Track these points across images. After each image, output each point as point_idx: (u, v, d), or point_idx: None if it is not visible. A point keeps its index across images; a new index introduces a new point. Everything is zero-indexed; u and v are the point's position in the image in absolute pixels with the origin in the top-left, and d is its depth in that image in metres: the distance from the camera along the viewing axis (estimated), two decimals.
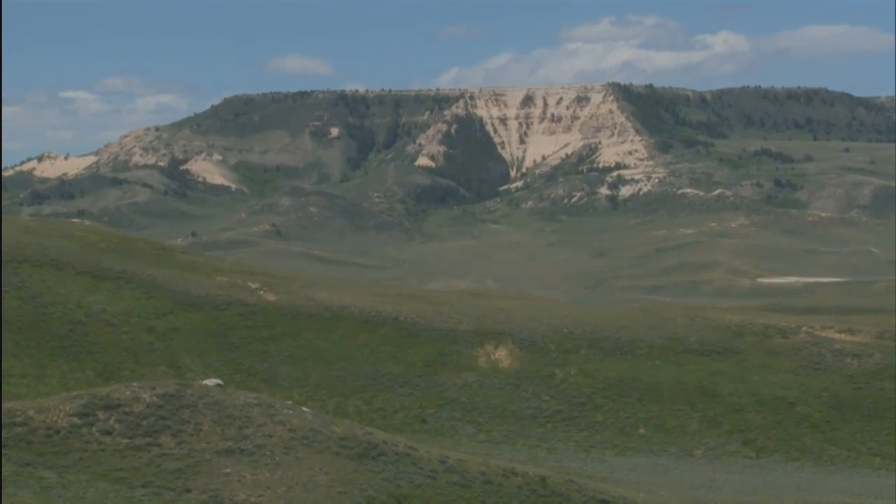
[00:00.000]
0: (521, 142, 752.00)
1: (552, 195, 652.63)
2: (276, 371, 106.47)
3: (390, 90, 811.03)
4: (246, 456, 59.06)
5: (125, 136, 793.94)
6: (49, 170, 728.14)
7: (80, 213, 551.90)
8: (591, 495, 63.84)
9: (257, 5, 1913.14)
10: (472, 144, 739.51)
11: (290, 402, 69.78)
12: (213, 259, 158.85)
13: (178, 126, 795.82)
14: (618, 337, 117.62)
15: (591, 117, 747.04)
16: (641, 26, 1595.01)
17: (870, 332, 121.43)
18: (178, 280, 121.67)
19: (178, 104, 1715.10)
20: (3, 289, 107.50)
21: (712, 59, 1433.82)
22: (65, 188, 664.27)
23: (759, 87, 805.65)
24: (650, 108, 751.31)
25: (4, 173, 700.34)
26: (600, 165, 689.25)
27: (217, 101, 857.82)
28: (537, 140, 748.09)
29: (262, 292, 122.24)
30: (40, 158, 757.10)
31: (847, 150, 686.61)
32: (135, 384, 65.35)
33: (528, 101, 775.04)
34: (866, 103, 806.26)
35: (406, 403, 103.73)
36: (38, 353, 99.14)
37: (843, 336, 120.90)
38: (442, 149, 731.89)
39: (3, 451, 55.85)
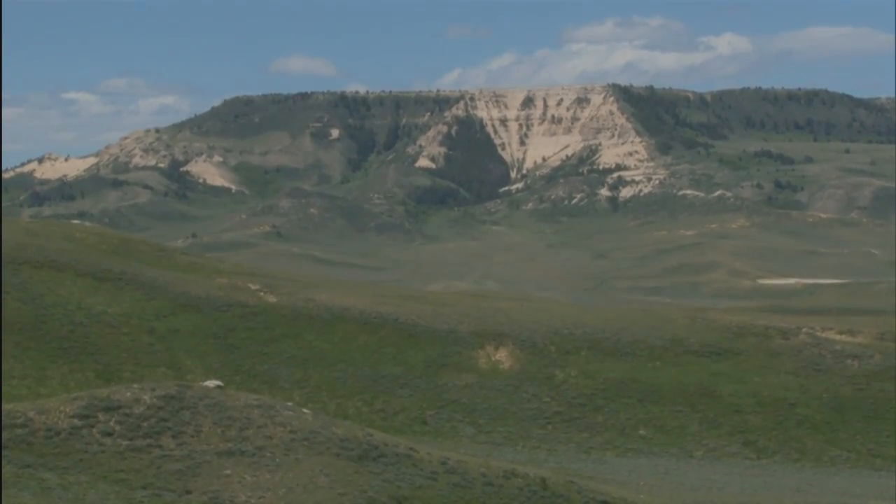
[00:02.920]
0: (522, 143, 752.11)
1: (552, 196, 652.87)
2: (276, 372, 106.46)
3: (391, 91, 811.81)
4: (246, 457, 59.03)
5: (125, 138, 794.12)
6: (49, 171, 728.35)
7: (81, 215, 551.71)
8: (591, 496, 63.80)
9: (260, 6, 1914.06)
10: (473, 146, 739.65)
11: (290, 404, 69.75)
12: (213, 260, 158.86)
13: (179, 127, 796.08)
14: (618, 338, 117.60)
15: (591, 119, 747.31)
16: (646, 27, 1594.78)
17: (870, 334, 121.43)
18: (179, 281, 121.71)
19: (180, 105, 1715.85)
20: (4, 290, 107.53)
21: (716, 60, 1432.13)
22: (65, 190, 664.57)
23: (760, 88, 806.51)
24: (650, 109, 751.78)
25: (5, 175, 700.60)
26: (600, 167, 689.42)
27: (218, 102, 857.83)
28: (537, 141, 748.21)
29: (262, 294, 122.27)
30: (41, 160, 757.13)
31: (847, 152, 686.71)
32: (135, 386, 65.31)
33: (528, 102, 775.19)
34: (867, 104, 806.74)
35: (406, 405, 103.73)
36: (39, 354, 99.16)
37: (843, 337, 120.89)
38: (442, 150, 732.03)
39: (4, 453, 55.82)
